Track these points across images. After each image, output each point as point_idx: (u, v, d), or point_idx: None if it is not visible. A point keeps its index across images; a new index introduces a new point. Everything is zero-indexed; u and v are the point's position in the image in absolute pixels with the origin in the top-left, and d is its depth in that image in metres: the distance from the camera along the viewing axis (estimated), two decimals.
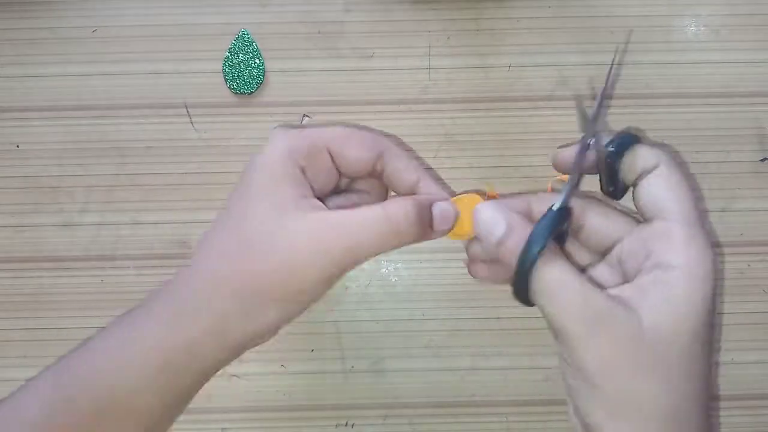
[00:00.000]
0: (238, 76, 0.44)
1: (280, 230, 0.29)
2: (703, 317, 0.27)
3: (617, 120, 0.44)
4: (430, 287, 0.44)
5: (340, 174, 0.32)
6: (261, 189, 0.30)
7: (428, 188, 0.32)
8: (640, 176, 0.30)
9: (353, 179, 0.34)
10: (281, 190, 0.29)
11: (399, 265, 0.44)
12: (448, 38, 0.45)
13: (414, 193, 0.32)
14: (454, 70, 0.44)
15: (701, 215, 0.29)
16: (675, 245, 0.28)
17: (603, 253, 0.32)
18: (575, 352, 0.27)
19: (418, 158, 0.32)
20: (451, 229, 0.32)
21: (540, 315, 0.44)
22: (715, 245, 0.29)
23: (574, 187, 0.30)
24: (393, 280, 0.44)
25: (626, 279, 0.30)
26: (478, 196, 0.33)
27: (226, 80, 0.44)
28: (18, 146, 0.44)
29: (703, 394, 0.28)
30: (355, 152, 0.31)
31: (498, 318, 0.44)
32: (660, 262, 0.28)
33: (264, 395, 0.43)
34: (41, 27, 0.44)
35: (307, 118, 0.44)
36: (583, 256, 0.33)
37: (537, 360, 0.44)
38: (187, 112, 0.44)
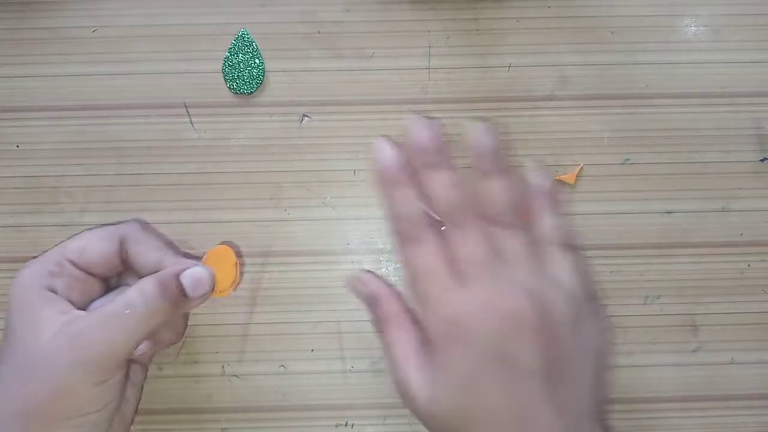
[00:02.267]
0: (238, 76, 0.44)
1: (40, 350, 0.29)
2: None
3: (617, 120, 0.44)
4: None
5: (98, 276, 0.33)
6: (18, 316, 0.31)
7: (171, 263, 0.33)
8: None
9: (119, 277, 0.35)
10: (34, 313, 0.30)
11: (399, 265, 0.44)
12: (448, 38, 0.45)
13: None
14: (454, 70, 0.44)
15: None
16: None
17: None
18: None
19: (163, 238, 0.34)
20: (212, 291, 0.33)
21: None
22: None
23: None
24: (393, 280, 0.44)
25: None
26: (227, 248, 0.34)
27: (226, 80, 0.44)
28: (18, 146, 0.44)
29: None
30: (93, 249, 0.32)
31: None
32: None
33: (264, 395, 0.43)
34: (41, 27, 0.44)
35: (306, 119, 0.44)
36: None
37: None
38: (187, 112, 0.44)
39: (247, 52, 0.44)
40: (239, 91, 0.44)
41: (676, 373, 0.43)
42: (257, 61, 0.44)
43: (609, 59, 0.44)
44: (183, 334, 0.35)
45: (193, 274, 0.33)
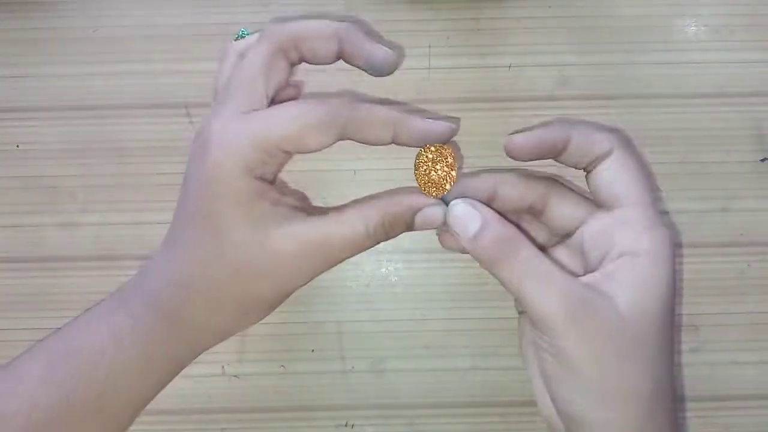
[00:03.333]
0: None
1: (265, 253, 0.29)
2: (670, 298, 0.28)
3: (617, 120, 0.44)
4: (430, 287, 0.44)
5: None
6: (230, 215, 0.29)
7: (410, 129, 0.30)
8: (595, 161, 0.30)
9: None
10: (253, 210, 0.29)
11: (399, 265, 0.44)
12: (448, 38, 0.45)
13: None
14: (454, 70, 0.44)
15: (656, 199, 0.30)
16: (638, 232, 0.29)
17: (563, 236, 0.32)
18: (558, 341, 0.27)
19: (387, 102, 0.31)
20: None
21: None
22: (669, 227, 0.30)
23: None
24: (393, 280, 0.44)
25: (587, 264, 0.30)
26: (445, 148, 0.31)
27: None
28: (18, 146, 0.44)
29: (673, 369, 0.29)
30: (315, 142, 0.29)
31: (498, 318, 0.44)
32: (625, 250, 0.28)
33: (264, 395, 0.43)
34: (41, 27, 0.44)
35: None
36: (540, 236, 0.34)
37: None
38: (187, 112, 0.44)
39: None
40: None
41: (676, 373, 0.43)
42: None
43: (609, 59, 0.44)
44: None
45: (431, 216, 0.31)
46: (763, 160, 0.44)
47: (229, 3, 0.44)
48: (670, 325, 0.29)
